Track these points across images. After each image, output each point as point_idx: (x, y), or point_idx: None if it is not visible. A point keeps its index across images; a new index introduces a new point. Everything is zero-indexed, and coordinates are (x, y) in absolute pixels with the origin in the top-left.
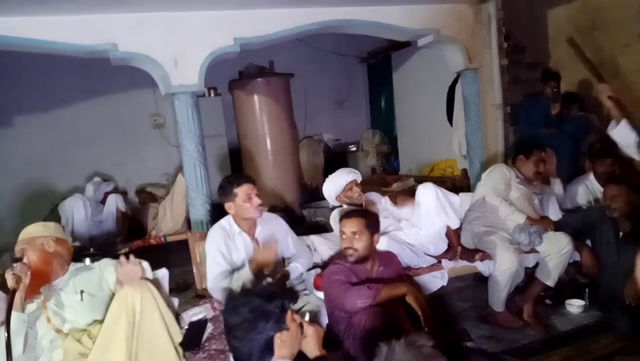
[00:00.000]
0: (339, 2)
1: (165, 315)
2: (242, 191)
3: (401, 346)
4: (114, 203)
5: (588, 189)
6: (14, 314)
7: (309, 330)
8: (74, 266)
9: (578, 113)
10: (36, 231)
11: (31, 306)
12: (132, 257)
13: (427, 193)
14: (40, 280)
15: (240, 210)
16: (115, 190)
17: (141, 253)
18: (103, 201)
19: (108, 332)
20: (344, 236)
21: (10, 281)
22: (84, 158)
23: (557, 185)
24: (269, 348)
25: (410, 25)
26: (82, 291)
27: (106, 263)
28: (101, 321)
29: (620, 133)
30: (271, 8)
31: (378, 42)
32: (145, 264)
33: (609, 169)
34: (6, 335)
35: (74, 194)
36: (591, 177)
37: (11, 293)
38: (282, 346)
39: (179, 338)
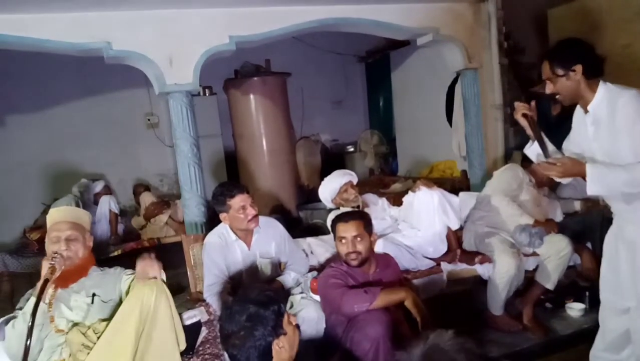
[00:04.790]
0: (336, 0)
1: (175, 319)
2: (235, 202)
3: (448, 336)
4: (107, 204)
5: None
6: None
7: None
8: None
9: None
10: (84, 219)
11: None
12: (152, 255)
13: (426, 194)
14: (71, 278)
15: (235, 221)
16: (107, 190)
17: (134, 255)
18: (95, 202)
19: (119, 323)
20: (343, 241)
21: (45, 270)
22: (77, 158)
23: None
24: (267, 354)
25: (409, 24)
26: (94, 295)
27: (121, 271)
28: (106, 320)
29: (534, 151)
30: (267, 6)
31: (376, 41)
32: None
33: None
34: (30, 323)
35: (66, 194)
36: None
37: (43, 282)
38: (281, 352)
39: (183, 345)
